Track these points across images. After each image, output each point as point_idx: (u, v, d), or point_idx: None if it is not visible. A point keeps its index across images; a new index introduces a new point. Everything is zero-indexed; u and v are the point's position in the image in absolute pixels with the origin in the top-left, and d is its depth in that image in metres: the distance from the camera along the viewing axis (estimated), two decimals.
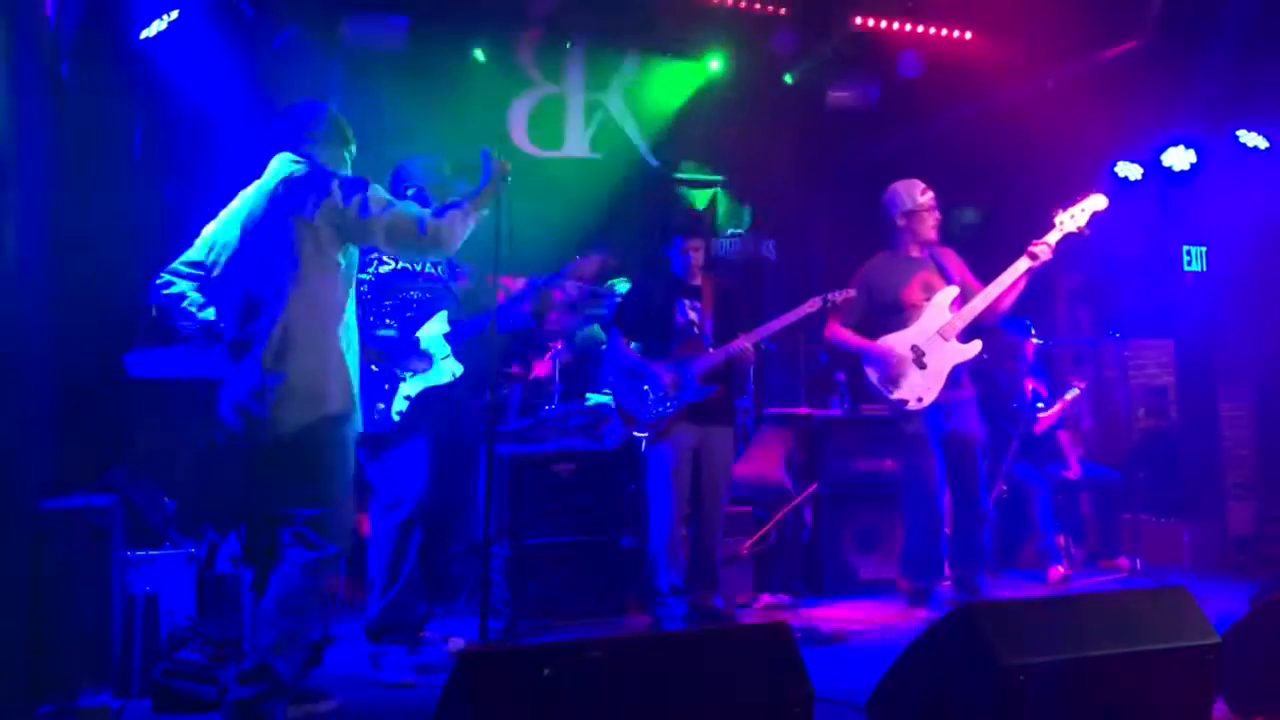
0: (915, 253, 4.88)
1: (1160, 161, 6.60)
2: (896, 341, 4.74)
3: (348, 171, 3.37)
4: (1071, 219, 4.63)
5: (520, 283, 4.59)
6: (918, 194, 4.87)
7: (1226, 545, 6.48)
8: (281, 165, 3.27)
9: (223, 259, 3.24)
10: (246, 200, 3.27)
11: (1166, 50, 6.04)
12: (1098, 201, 4.66)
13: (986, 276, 4.83)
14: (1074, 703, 2.57)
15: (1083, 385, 5.97)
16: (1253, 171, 6.46)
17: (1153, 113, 6.54)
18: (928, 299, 4.77)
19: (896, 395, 4.71)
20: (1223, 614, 3.05)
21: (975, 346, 4.73)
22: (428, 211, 3.25)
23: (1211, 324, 6.96)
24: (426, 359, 3.94)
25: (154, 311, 5.45)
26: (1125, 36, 6.11)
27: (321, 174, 3.21)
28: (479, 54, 6.77)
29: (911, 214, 4.86)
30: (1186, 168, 6.54)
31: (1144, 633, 2.68)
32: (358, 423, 3.26)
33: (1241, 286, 6.80)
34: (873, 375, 4.78)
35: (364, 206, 3.15)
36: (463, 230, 3.29)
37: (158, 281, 3.32)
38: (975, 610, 2.62)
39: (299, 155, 3.28)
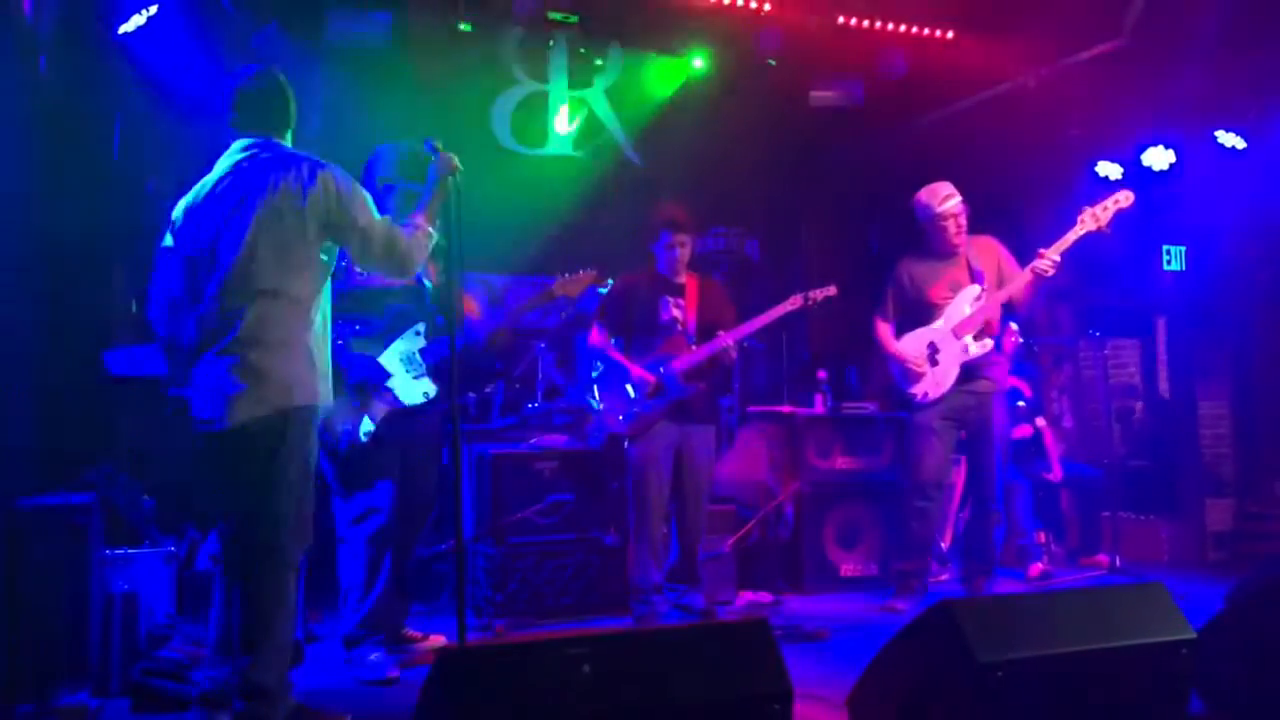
0: (946, 250, 4.90)
1: (1140, 161, 6.65)
2: (916, 339, 4.87)
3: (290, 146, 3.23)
4: (1093, 218, 4.59)
5: (476, 306, 4.55)
6: (936, 203, 4.86)
7: (1205, 542, 6.54)
8: (263, 151, 3.14)
9: (202, 243, 3.08)
10: (214, 187, 3.11)
11: (1146, 51, 6.08)
12: (1124, 198, 4.60)
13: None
14: (1051, 698, 2.59)
15: (1041, 424, 6.08)
16: (1231, 171, 6.51)
17: (1133, 113, 6.59)
18: (953, 296, 4.84)
19: (911, 390, 4.86)
20: (1200, 610, 3.07)
21: (985, 345, 4.76)
22: (401, 230, 3.18)
23: (1191, 323, 7.02)
24: (393, 401, 3.85)
25: (134, 308, 5.44)
26: (1105, 38, 6.15)
27: (311, 164, 3.10)
28: (462, 50, 6.76)
29: (932, 221, 4.88)
30: (1166, 167, 6.59)
31: (1121, 628, 2.70)
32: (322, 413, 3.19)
33: (1220, 285, 6.85)
34: (895, 372, 4.94)
35: (354, 207, 3.09)
36: (426, 251, 3.24)
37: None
38: (953, 606, 2.63)
39: (263, 138, 3.15)
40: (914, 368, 4.82)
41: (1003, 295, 4.75)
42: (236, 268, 3.00)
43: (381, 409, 3.81)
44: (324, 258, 3.13)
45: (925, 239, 4.96)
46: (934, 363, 4.81)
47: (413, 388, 3.88)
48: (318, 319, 3.13)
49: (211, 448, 3.03)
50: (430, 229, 3.27)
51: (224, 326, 2.99)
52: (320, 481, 3.86)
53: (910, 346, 4.87)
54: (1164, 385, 7.46)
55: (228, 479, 3.05)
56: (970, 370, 4.78)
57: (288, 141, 3.23)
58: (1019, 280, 4.71)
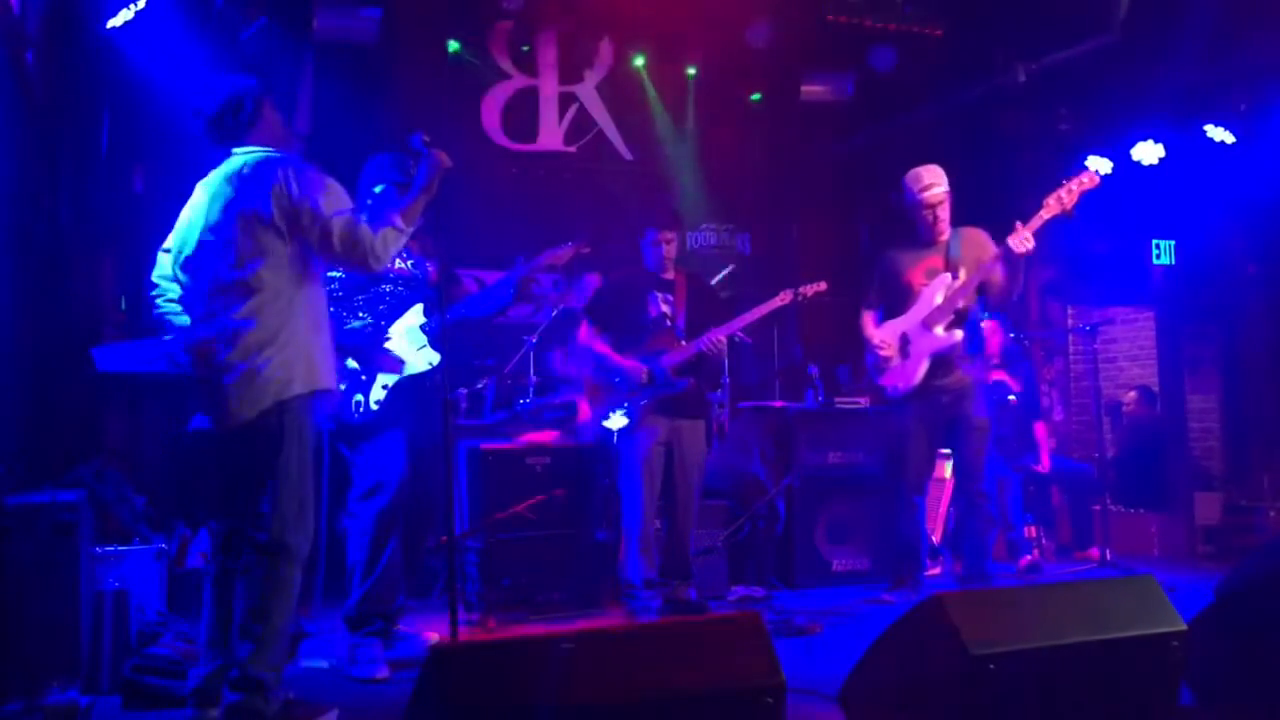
0: (927, 238, 4.78)
1: (1130, 155, 6.67)
2: (890, 329, 4.80)
3: (289, 148, 3.25)
4: (1058, 201, 4.43)
5: (495, 277, 4.57)
6: (917, 189, 4.75)
7: (1194, 536, 6.57)
8: (235, 158, 3.17)
9: (186, 259, 3.15)
10: (202, 199, 3.17)
11: (1135, 46, 6.10)
12: (1089, 180, 4.44)
13: None
14: (1043, 691, 2.59)
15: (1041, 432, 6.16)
16: (1220, 166, 6.54)
17: (1122, 107, 6.61)
18: (928, 283, 4.72)
19: (881, 381, 4.82)
20: (1190, 603, 3.08)
21: (955, 335, 4.65)
22: (364, 224, 3.11)
23: (1180, 317, 7.05)
24: (396, 363, 3.90)
25: (122, 305, 5.42)
26: (1095, 32, 6.17)
27: (272, 163, 3.10)
28: (452, 46, 6.75)
29: (914, 207, 4.77)
30: (1155, 162, 6.61)
31: (1111, 621, 2.70)
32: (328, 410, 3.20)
33: (1209, 279, 6.88)
34: (869, 362, 4.89)
35: (316, 204, 3.04)
36: (395, 247, 3.19)
37: (153, 294, 3.28)
38: (945, 600, 2.63)
39: (247, 146, 3.18)
40: (884, 353, 4.75)
41: (973, 281, 4.60)
42: (219, 268, 3.05)
43: (390, 375, 3.86)
44: (297, 250, 3.08)
45: (910, 225, 4.86)
46: (905, 354, 4.73)
47: (418, 358, 3.95)
48: (310, 308, 3.12)
49: (211, 445, 3.07)
50: (405, 226, 3.21)
51: (217, 327, 3.04)
52: (342, 471, 3.90)
53: (884, 336, 4.80)
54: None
55: (229, 475, 3.07)
56: (943, 364, 4.68)
57: (264, 140, 3.20)
58: (988, 263, 4.57)
